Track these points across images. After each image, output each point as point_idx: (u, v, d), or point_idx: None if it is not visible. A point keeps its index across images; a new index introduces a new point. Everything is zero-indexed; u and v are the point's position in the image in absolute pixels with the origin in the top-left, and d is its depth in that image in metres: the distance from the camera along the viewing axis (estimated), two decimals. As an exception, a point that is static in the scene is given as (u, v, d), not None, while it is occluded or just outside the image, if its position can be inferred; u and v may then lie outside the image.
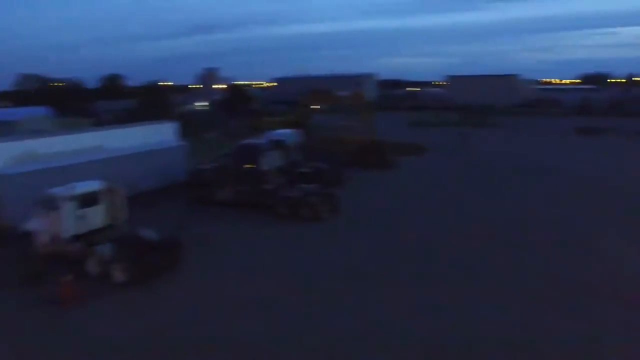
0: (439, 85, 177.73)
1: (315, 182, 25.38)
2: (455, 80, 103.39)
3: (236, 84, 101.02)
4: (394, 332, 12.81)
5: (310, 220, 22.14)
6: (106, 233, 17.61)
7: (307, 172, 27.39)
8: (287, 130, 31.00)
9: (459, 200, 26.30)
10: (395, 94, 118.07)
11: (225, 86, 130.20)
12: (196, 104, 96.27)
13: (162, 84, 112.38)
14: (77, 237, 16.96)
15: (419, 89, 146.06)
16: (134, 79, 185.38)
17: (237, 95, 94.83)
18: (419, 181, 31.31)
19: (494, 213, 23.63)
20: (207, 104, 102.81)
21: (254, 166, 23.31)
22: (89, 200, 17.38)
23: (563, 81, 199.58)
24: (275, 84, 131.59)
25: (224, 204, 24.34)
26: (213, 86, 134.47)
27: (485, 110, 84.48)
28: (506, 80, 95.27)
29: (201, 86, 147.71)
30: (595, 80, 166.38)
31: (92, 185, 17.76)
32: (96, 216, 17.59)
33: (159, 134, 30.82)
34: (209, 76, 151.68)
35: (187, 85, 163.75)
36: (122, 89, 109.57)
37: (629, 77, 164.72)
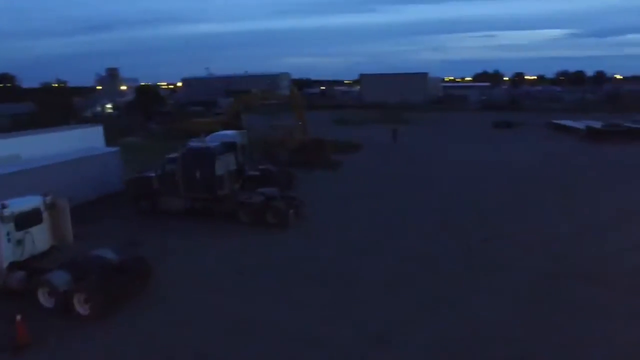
0: (350, 84, 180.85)
1: (265, 186, 23.82)
2: (368, 79, 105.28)
3: (146, 85, 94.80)
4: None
5: (277, 226, 20.50)
6: (53, 257, 14.79)
7: (256, 175, 25.63)
8: (231, 132, 28.84)
9: (410, 194, 26.27)
10: (309, 93, 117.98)
11: (126, 87, 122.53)
12: (106, 106, 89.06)
13: (59, 84, 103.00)
14: (17, 265, 14.01)
15: (323, 87, 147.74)
16: (28, 80, 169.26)
17: (148, 97, 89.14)
18: (366, 179, 30.62)
19: (450, 204, 23.56)
20: (112, 106, 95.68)
21: (208, 171, 21.13)
22: (28, 219, 14.41)
23: (458, 79, 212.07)
24: (183, 84, 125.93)
25: (174, 214, 21.92)
26: (119, 87, 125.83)
27: (399, 107, 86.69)
28: (417, 79, 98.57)
29: (101, 87, 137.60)
30: (488, 78, 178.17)
31: (31, 201, 14.77)
32: (39, 238, 14.66)
33: (85, 140, 27.40)
34: (111, 77, 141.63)
35: (87, 87, 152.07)
36: (14, 90, 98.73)
37: (516, 75, 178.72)
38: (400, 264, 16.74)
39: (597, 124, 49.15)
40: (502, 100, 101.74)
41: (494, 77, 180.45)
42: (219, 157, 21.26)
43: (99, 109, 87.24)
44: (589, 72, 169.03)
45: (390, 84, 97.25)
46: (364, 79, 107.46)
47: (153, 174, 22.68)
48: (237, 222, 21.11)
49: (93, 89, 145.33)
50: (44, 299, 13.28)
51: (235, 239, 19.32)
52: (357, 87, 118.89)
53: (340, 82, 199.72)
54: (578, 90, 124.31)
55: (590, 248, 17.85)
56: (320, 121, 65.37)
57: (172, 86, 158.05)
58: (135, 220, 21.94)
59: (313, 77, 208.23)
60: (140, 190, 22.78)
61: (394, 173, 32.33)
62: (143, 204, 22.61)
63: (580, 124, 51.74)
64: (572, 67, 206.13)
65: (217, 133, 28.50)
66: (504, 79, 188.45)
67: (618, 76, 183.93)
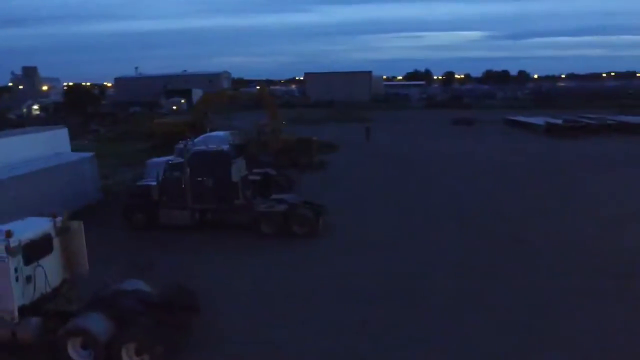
0: (285, 83, 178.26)
1: (266, 191, 21.41)
2: (313, 78, 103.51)
3: (77, 85, 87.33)
4: None
5: (304, 236, 18.06)
6: (68, 294, 11.59)
7: (255, 180, 22.96)
8: (222, 133, 25.93)
9: (417, 193, 24.98)
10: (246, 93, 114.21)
11: (47, 87, 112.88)
12: (33, 107, 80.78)
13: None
14: (29, 309, 10.71)
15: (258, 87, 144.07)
16: None
17: (81, 97, 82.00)
18: (361, 180, 28.70)
19: (467, 204, 22.16)
20: (38, 107, 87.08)
21: (222, 178, 18.26)
22: (38, 249, 11.06)
23: (389, 78, 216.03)
24: (116, 84, 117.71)
25: (179, 227, 18.82)
26: (39, 87, 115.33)
27: (346, 106, 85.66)
28: (362, 77, 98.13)
29: (22, 87, 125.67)
30: (420, 77, 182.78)
31: (39, 226, 11.43)
32: (51, 271, 11.35)
33: (50, 144, 23.36)
34: (28, 76, 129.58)
35: (1, 86, 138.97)
36: None
37: (446, 74, 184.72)
38: (454, 272, 14.94)
39: (556, 120, 50.43)
40: (443, 99, 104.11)
41: (425, 76, 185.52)
42: (234, 161, 18.47)
43: (24, 110, 78.97)
44: (512, 72, 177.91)
45: (336, 83, 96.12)
46: (309, 78, 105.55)
47: (153, 183, 19.37)
48: (252, 233, 18.42)
49: (8, 88, 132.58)
50: (77, 353, 10.13)
51: (262, 255, 16.67)
52: (293, 86, 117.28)
53: (275, 82, 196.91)
54: (507, 89, 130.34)
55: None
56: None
57: (96, 86, 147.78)
58: (129, 237, 18.62)
59: (247, 77, 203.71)
60: (137, 202, 19.42)
61: (386, 172, 30.71)
62: (138, 217, 19.27)
63: (537, 120, 52.92)
64: (490, 67, 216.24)
65: (207, 135, 25.43)
66: (434, 77, 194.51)
67: (536, 75, 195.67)
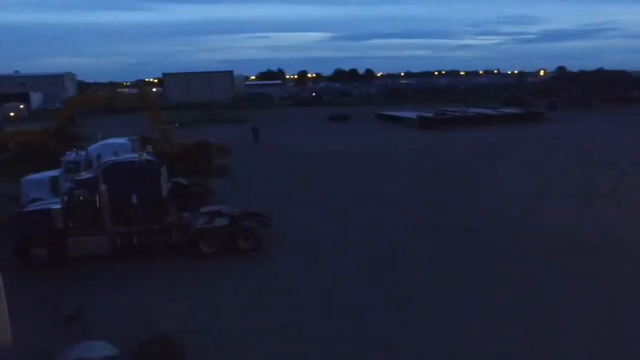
0: (128, 86, 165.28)
1: (183, 202, 18.74)
2: (172, 78, 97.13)
3: None
4: None
5: (252, 250, 15.85)
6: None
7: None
8: (120, 140, 21.95)
9: (319, 189, 24.24)
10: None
11: None
12: None
13: None
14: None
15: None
16: None
17: None
18: (268, 181, 26.97)
19: (384, 195, 21.91)
20: None
21: (151, 193, 15.15)
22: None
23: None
24: None
25: (94, 258, 15.20)
26: None
27: (209, 107, 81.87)
28: (223, 77, 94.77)
29: None
30: (275, 77, 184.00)
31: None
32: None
33: None
34: None
35: None
36: None
37: (300, 74, 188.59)
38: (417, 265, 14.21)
39: (427, 113, 53.65)
40: (306, 97, 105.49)
41: (279, 76, 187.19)
42: (160, 173, 15.45)
43: None
44: (360, 70, 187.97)
45: (196, 83, 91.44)
46: (167, 79, 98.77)
47: (49, 205, 15.33)
48: (188, 255, 15.66)
49: None
50: None
51: (208, 281, 14.10)
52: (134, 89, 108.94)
53: (121, 85, 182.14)
54: (356, 86, 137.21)
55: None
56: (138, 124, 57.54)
57: None
58: (31, 281, 14.46)
59: (87, 80, 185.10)
60: (34, 233, 15.22)
61: (293, 173, 29.30)
62: (38, 252, 15.13)
63: (408, 114, 55.82)
64: (337, 66, 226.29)
65: (104, 142, 21.41)
66: (286, 77, 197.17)
67: (379, 74, 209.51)
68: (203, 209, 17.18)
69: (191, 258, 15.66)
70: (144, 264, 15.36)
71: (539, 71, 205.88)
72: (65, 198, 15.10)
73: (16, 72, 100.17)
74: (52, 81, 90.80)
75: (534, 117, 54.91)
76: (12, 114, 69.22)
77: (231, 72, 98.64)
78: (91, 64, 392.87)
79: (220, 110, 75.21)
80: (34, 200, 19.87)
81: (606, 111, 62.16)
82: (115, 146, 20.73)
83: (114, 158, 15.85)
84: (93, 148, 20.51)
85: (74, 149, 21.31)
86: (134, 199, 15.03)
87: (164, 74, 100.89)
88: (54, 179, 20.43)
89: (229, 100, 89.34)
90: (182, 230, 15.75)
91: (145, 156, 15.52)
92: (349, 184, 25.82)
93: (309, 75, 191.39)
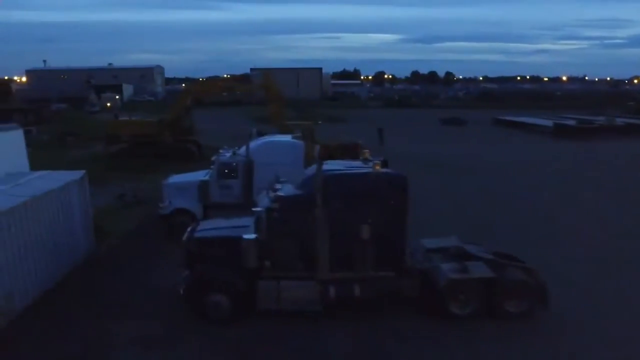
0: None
1: None
2: (258, 74, 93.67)
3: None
4: None
5: (519, 316, 10.34)
6: None
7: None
8: (285, 138, 17.12)
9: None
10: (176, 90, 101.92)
11: None
12: None
13: None
14: None
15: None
16: None
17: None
18: (445, 201, 21.24)
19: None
20: None
21: (391, 223, 9.95)
22: None
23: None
24: (29, 77, 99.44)
25: (294, 311, 10.13)
26: None
27: (297, 104, 77.53)
28: (312, 74, 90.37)
29: None
30: (350, 77, 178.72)
31: None
32: None
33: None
34: None
35: None
36: None
37: (377, 74, 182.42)
38: None
39: (568, 121, 46.32)
40: (391, 97, 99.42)
41: (354, 76, 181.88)
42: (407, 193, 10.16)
43: None
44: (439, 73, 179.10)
45: (283, 80, 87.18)
46: (254, 74, 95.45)
47: (241, 233, 10.32)
48: (411, 314, 10.31)
49: None
50: None
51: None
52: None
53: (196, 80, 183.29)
54: (437, 89, 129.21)
55: None
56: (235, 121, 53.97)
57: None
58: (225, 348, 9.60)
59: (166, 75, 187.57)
60: (214, 272, 10.36)
61: (460, 189, 23.46)
62: (217, 300, 10.21)
63: (536, 120, 48.63)
64: (405, 68, 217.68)
65: (268, 140, 16.52)
66: (361, 78, 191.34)
67: (459, 77, 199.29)
68: (427, 244, 11.73)
69: (426, 318, 10.28)
70: (355, 322, 10.13)
71: (632, 78, 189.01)
72: (263, 222, 10.05)
73: (110, 64, 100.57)
74: (143, 73, 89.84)
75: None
76: (108, 104, 67.74)
77: (320, 69, 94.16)
78: (164, 60, 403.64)
79: (309, 108, 70.73)
80: (182, 213, 15.37)
81: None
82: (278, 145, 15.79)
83: (332, 166, 10.57)
84: (256, 146, 15.65)
85: (225, 148, 16.64)
86: (365, 231, 9.77)
87: (251, 69, 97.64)
88: (204, 185, 15.81)
89: (317, 98, 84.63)
90: (419, 280, 10.36)
91: (379, 168, 10.19)
92: (563, 213, 19.55)
93: (385, 76, 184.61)
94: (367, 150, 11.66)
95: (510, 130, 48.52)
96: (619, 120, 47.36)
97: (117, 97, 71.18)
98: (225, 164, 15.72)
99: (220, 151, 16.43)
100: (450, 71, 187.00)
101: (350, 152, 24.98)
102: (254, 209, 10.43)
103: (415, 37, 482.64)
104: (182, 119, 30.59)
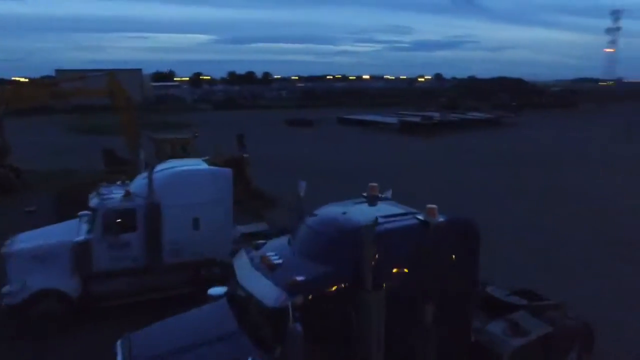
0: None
1: None
2: (65, 76, 79.11)
3: None
4: None
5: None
6: None
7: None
8: (196, 162, 11.70)
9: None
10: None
11: None
12: None
13: None
14: None
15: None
16: None
17: None
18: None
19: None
20: None
21: (455, 297, 6.37)
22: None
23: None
24: None
25: None
26: None
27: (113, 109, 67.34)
28: (132, 75, 79.51)
29: None
30: (164, 78, 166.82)
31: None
32: None
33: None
34: None
35: None
36: None
37: (195, 75, 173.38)
38: None
39: (412, 118, 47.89)
40: (219, 99, 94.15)
41: (169, 77, 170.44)
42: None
43: None
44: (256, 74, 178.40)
45: (96, 83, 75.35)
46: (60, 76, 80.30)
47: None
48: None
49: None
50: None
51: None
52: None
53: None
54: (268, 89, 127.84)
55: None
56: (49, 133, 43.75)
57: None
58: None
59: None
60: None
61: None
62: None
63: (383, 118, 49.49)
64: (220, 69, 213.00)
65: (175, 170, 11.05)
66: (176, 79, 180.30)
67: (271, 76, 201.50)
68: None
69: None
70: None
71: (417, 78, 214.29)
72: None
73: None
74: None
75: (498, 121, 52.31)
76: None
77: (140, 70, 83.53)
78: None
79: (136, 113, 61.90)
80: (48, 296, 9.41)
81: (540, 115, 62.00)
82: (207, 177, 10.80)
83: (352, 214, 6.43)
84: (162, 180, 10.28)
85: (117, 181, 11.01)
86: (429, 313, 6.06)
87: (56, 71, 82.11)
88: (83, 247, 10.07)
89: (138, 101, 74.79)
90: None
91: (430, 215, 6.50)
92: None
93: (202, 77, 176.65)
94: (374, 185, 7.80)
95: (358, 128, 48.47)
96: (454, 116, 51.36)
97: None
98: (115, 211, 10.16)
99: (102, 190, 10.68)
100: (267, 71, 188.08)
101: (236, 166, 20.59)
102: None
103: (230, 37, 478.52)
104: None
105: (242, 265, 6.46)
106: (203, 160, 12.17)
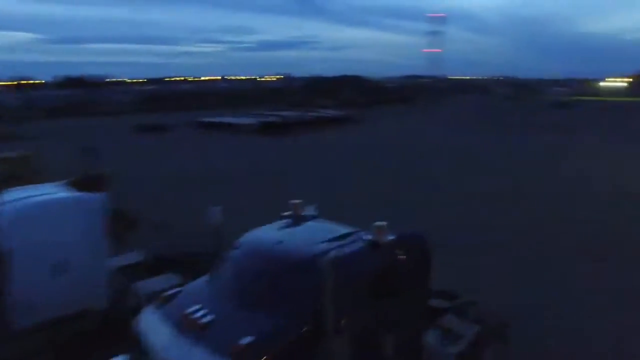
0: None
1: None
2: None
3: None
4: None
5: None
6: None
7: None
8: (52, 189, 9.14)
9: None
10: None
11: None
12: None
13: None
14: None
15: None
16: None
17: None
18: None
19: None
20: None
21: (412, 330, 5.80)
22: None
23: None
24: None
25: None
26: None
27: None
28: None
29: None
30: None
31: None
32: None
33: None
34: None
35: None
36: None
37: (18, 80, 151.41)
38: None
39: (269, 118, 47.29)
40: (50, 105, 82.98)
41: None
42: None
43: None
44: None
45: None
46: None
47: None
48: None
49: None
50: None
51: None
52: None
53: None
54: (114, 93, 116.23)
55: None
56: None
57: None
58: None
59: None
60: None
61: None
62: None
63: (239, 120, 48.18)
64: (52, 71, 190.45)
65: (28, 201, 8.60)
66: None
67: (108, 79, 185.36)
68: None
69: None
70: None
71: (263, 77, 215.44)
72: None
73: None
74: None
75: (350, 118, 54.78)
76: None
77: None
78: None
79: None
80: None
81: (385, 111, 66.86)
82: (70, 207, 8.71)
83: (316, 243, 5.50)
84: (14, 215, 7.87)
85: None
86: (390, 344, 5.52)
87: None
88: None
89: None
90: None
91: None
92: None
93: (26, 81, 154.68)
94: (298, 202, 6.98)
95: (217, 132, 46.50)
96: (311, 115, 52.36)
97: None
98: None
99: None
100: (102, 74, 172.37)
101: (97, 185, 17.96)
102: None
103: (60, 37, 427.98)
104: None
105: (155, 330, 5.06)
106: (61, 183, 9.97)
